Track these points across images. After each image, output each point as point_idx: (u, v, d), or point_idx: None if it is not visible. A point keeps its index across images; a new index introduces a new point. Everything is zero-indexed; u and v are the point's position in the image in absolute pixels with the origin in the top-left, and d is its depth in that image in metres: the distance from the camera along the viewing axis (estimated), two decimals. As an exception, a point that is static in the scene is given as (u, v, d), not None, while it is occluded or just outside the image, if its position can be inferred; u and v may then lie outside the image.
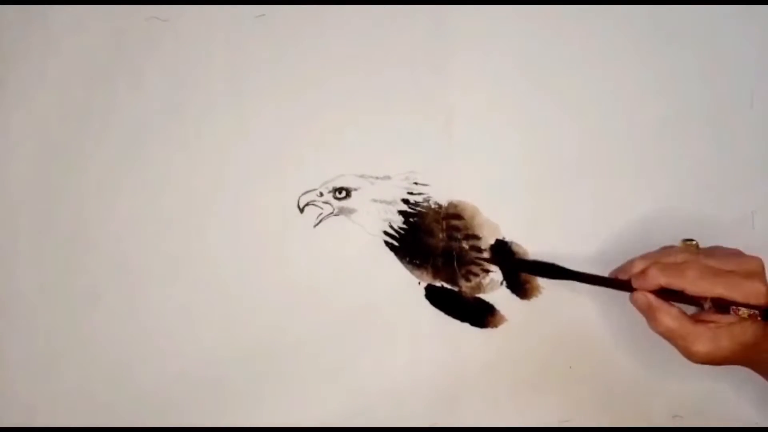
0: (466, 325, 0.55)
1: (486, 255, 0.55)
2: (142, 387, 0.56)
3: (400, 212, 0.55)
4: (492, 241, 0.55)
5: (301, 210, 0.55)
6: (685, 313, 0.46)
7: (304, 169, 0.55)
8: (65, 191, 0.56)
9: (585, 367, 0.55)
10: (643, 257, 0.48)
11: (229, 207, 0.55)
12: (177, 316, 0.56)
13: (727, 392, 0.54)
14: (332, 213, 0.55)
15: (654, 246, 0.50)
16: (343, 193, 0.55)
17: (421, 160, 0.55)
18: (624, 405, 0.55)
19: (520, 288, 0.55)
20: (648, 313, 0.47)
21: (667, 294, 0.46)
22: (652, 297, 0.46)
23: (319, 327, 0.55)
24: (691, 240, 0.49)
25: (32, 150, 0.56)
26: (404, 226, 0.55)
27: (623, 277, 0.49)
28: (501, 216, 0.55)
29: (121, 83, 0.56)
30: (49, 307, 0.56)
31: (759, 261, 0.46)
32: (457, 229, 0.55)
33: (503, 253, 0.55)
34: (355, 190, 0.55)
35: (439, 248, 0.55)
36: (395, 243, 0.55)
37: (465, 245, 0.55)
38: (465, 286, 0.55)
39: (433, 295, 0.55)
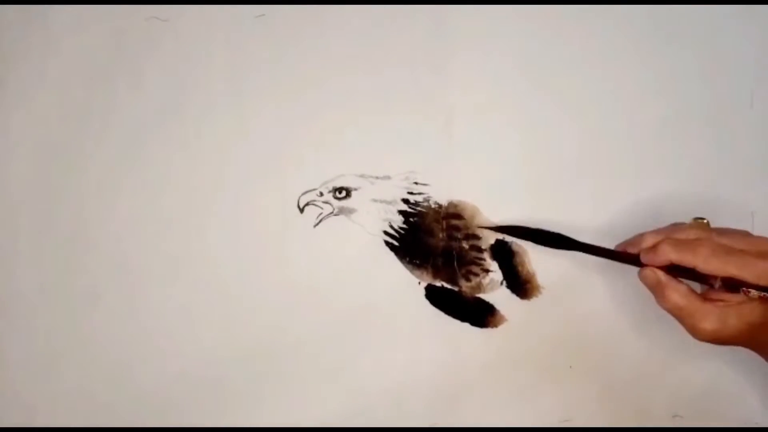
0: (466, 325, 0.55)
1: (486, 255, 0.55)
2: (142, 387, 0.56)
3: (400, 212, 0.55)
4: (492, 241, 0.55)
5: (301, 210, 0.55)
6: (693, 291, 0.46)
7: (304, 169, 0.55)
8: (65, 191, 0.56)
9: (585, 367, 0.55)
10: (655, 232, 0.48)
11: (229, 207, 0.55)
12: (177, 316, 0.56)
13: (728, 392, 0.54)
14: (332, 213, 0.55)
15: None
16: (343, 193, 0.55)
17: (421, 160, 0.55)
18: (624, 404, 0.55)
19: (520, 288, 0.55)
20: (656, 289, 0.46)
21: (676, 271, 0.46)
22: (661, 273, 0.46)
23: (319, 327, 0.55)
24: (702, 218, 0.48)
25: (32, 150, 0.56)
26: (404, 226, 0.55)
27: (632, 250, 0.48)
28: (501, 216, 0.55)
29: (121, 83, 0.56)
30: (49, 307, 0.56)
31: None
32: (457, 228, 0.55)
33: (503, 253, 0.55)
34: (355, 190, 0.55)
35: (439, 248, 0.55)
36: (395, 243, 0.55)
37: (465, 245, 0.55)
38: (465, 286, 0.55)
39: (433, 295, 0.55)
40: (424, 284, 0.55)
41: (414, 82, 0.55)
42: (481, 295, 0.55)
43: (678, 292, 0.45)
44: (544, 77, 0.55)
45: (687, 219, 0.50)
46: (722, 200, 0.55)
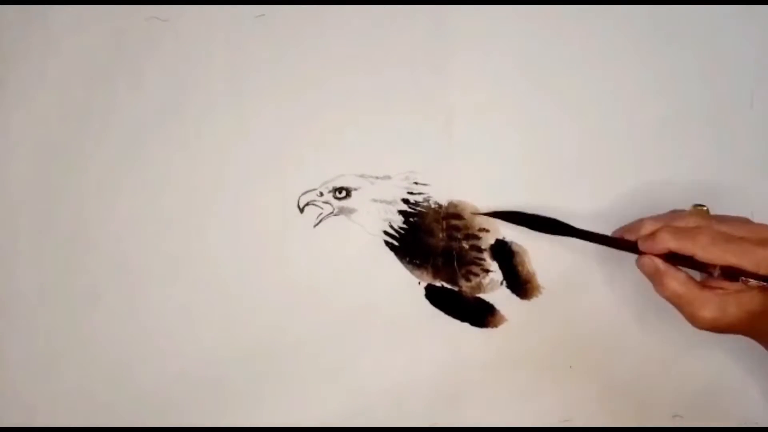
0: (466, 325, 0.55)
1: (486, 255, 0.55)
2: (142, 387, 0.56)
3: (400, 212, 0.55)
4: (492, 241, 0.55)
5: (301, 210, 0.55)
6: (692, 278, 0.45)
7: (304, 169, 0.55)
8: (65, 191, 0.56)
9: (585, 367, 0.55)
10: (653, 219, 0.47)
11: (229, 207, 0.55)
12: (177, 316, 0.56)
13: (728, 392, 0.54)
14: (332, 213, 0.55)
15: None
16: (343, 193, 0.55)
17: (421, 160, 0.55)
18: (624, 404, 0.55)
19: (520, 288, 0.55)
20: (655, 277, 0.46)
21: (674, 258, 0.45)
22: (659, 261, 0.45)
23: (319, 327, 0.55)
24: (702, 205, 0.48)
25: (32, 150, 0.56)
26: (404, 225, 0.55)
27: (630, 237, 0.48)
28: (501, 216, 0.55)
29: (121, 83, 0.56)
30: (49, 307, 0.56)
31: None
32: (457, 228, 0.55)
33: (503, 253, 0.55)
34: (355, 189, 0.55)
35: (439, 248, 0.55)
36: (395, 243, 0.55)
37: (465, 245, 0.55)
38: (465, 285, 0.55)
39: (433, 295, 0.55)
40: (424, 284, 0.55)
41: (414, 82, 0.55)
42: (481, 295, 0.55)
43: (677, 279, 0.45)
44: (544, 77, 0.55)
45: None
46: (722, 200, 0.54)
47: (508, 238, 0.55)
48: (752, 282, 0.43)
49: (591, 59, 0.55)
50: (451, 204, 0.55)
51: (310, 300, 0.55)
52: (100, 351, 0.56)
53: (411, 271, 0.55)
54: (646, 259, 0.46)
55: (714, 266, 0.44)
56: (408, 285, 0.55)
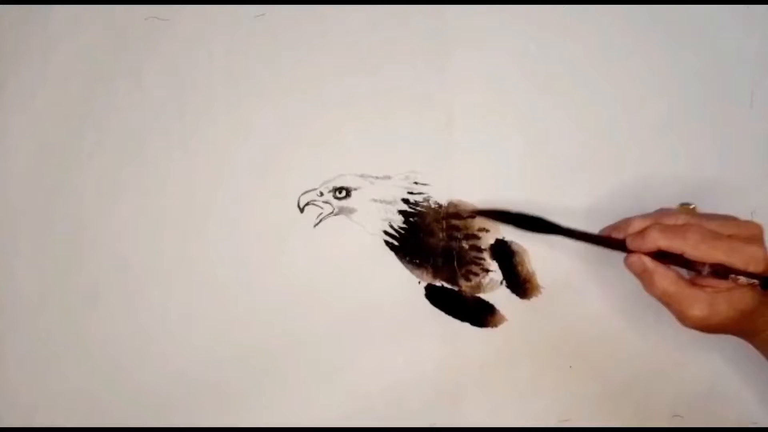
0: (466, 325, 0.55)
1: (486, 254, 0.55)
2: (142, 387, 0.56)
3: (400, 212, 0.55)
4: (492, 241, 0.55)
5: (301, 210, 0.55)
6: (682, 277, 0.45)
7: (304, 169, 0.55)
8: (65, 191, 0.56)
9: (585, 367, 0.55)
10: (642, 217, 0.47)
11: (229, 207, 0.55)
12: (177, 315, 0.56)
13: (728, 392, 0.54)
14: (332, 213, 0.55)
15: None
16: (343, 193, 0.55)
17: (421, 160, 0.55)
18: (624, 404, 0.55)
19: (520, 288, 0.55)
20: (644, 276, 0.45)
21: (664, 257, 0.45)
22: (648, 260, 0.45)
23: (319, 327, 0.55)
24: (690, 204, 0.48)
25: (32, 150, 0.56)
26: (404, 225, 0.55)
27: (618, 236, 0.47)
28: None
29: (121, 83, 0.56)
30: (49, 307, 0.56)
31: (759, 226, 0.45)
32: (457, 228, 0.55)
33: (503, 253, 0.55)
34: (355, 189, 0.55)
35: (439, 248, 0.55)
36: (395, 243, 0.55)
37: (465, 245, 0.55)
38: (465, 285, 0.55)
39: (433, 295, 0.55)
40: (424, 284, 0.55)
41: (414, 81, 0.55)
42: (481, 295, 0.55)
43: (667, 278, 0.44)
44: (544, 77, 0.55)
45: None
46: (722, 200, 0.55)
47: (507, 238, 0.55)
48: (742, 279, 0.43)
49: (591, 59, 0.55)
50: (451, 204, 0.55)
51: (309, 300, 0.55)
52: (100, 351, 0.56)
53: (411, 270, 0.55)
54: (635, 258, 0.46)
55: (703, 264, 0.44)
56: (408, 285, 0.55)
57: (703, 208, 0.53)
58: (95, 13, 0.56)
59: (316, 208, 0.55)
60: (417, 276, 0.55)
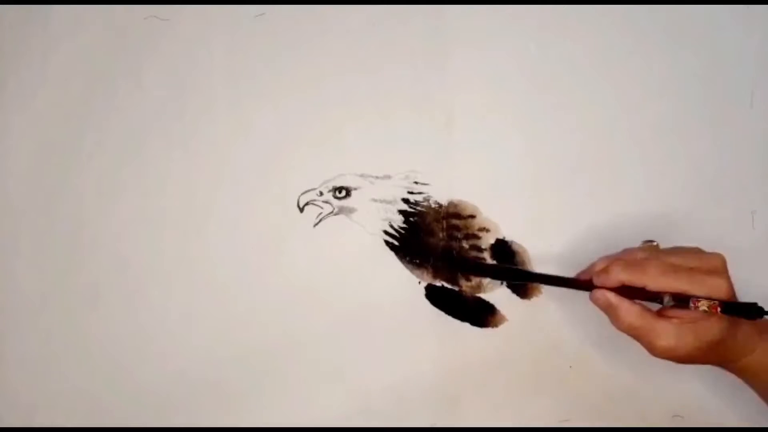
0: (466, 325, 0.55)
1: (486, 255, 0.55)
2: (142, 387, 0.56)
3: (401, 212, 0.55)
4: (492, 241, 0.55)
5: (301, 209, 0.55)
6: (648, 309, 0.46)
7: (304, 169, 0.55)
8: (65, 191, 0.56)
9: (585, 367, 0.55)
10: (605, 257, 0.48)
11: (228, 207, 0.55)
12: (176, 315, 0.56)
13: (727, 392, 0.54)
14: (332, 212, 0.55)
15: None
16: (343, 193, 0.55)
17: (421, 159, 0.55)
18: (624, 405, 0.55)
19: (520, 288, 0.55)
20: (609, 310, 0.47)
21: (628, 291, 0.46)
22: (611, 294, 0.46)
23: (319, 327, 0.55)
24: (652, 241, 0.49)
25: (32, 150, 0.56)
26: (404, 225, 0.55)
27: (585, 277, 0.48)
28: (501, 216, 0.55)
29: (121, 83, 0.56)
30: (49, 306, 0.56)
31: (721, 257, 0.45)
32: (458, 228, 0.55)
33: (504, 253, 0.55)
34: (355, 189, 0.55)
35: (439, 248, 0.55)
36: (395, 242, 0.55)
37: (465, 245, 0.55)
38: (465, 285, 0.55)
39: (433, 295, 0.55)
40: (424, 284, 0.55)
41: (414, 81, 0.55)
42: (481, 295, 0.55)
43: (631, 312, 0.46)
44: (544, 77, 0.55)
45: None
46: (722, 200, 0.55)
47: (508, 238, 0.55)
48: (702, 302, 0.44)
49: (591, 59, 0.55)
50: (451, 204, 0.55)
51: (309, 300, 0.55)
52: (100, 351, 0.56)
53: (411, 270, 0.55)
54: (599, 294, 0.47)
55: (665, 293, 0.45)
56: (408, 285, 0.55)
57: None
58: (95, 13, 0.56)
59: (316, 207, 0.55)
60: (417, 276, 0.55)
